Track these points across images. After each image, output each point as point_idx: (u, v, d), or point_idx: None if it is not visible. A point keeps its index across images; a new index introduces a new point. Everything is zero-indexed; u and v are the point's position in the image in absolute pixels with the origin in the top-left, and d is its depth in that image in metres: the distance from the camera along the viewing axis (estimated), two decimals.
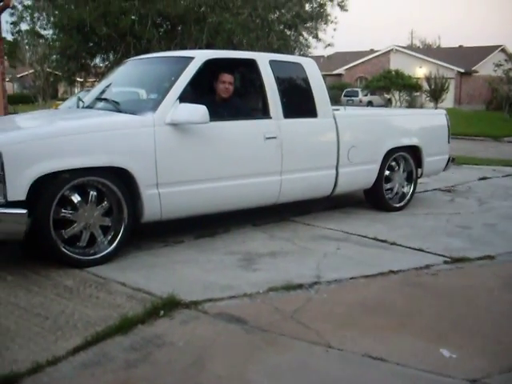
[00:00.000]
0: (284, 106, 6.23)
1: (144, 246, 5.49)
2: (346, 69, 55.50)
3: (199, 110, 5.29)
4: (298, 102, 6.62)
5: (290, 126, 6.26)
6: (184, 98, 5.48)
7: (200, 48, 14.40)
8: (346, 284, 4.67)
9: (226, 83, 6.17)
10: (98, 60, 17.00)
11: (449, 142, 8.34)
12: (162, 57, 6.90)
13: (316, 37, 18.12)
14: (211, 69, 5.99)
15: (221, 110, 5.88)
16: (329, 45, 18.39)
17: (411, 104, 40.60)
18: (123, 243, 5.17)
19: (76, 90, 28.36)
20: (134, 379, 3.11)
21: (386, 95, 45.01)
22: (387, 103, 43.67)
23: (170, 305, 4.02)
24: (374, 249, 5.70)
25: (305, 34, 18.21)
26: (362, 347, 3.52)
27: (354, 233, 6.24)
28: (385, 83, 43.51)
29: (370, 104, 40.82)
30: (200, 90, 6.14)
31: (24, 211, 4.49)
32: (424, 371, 3.26)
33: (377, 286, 4.66)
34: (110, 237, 5.11)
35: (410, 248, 5.72)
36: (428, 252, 5.59)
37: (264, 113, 6.22)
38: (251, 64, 6.25)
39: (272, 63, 6.32)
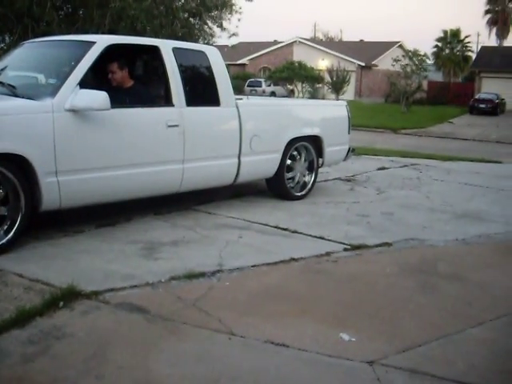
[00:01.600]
0: (187, 93, 6.15)
1: (43, 236, 5.31)
2: (250, 59, 55.75)
3: (100, 96, 5.15)
4: (201, 90, 6.58)
5: (192, 114, 6.20)
6: (85, 83, 5.30)
7: (103, 34, 14.05)
8: (248, 272, 4.70)
9: (122, 71, 6.10)
10: None
11: (349, 133, 8.53)
12: (61, 40, 6.62)
13: (220, 26, 18.07)
14: (113, 54, 5.83)
15: (122, 97, 5.76)
16: (233, 34, 18.39)
17: (313, 95, 41.36)
18: (20, 233, 4.98)
19: None
20: (31, 373, 3.02)
21: (288, 86, 45.62)
22: (290, 94, 44.24)
23: (70, 295, 3.92)
24: (276, 237, 5.77)
25: (209, 22, 18.12)
26: (264, 334, 3.57)
27: (256, 221, 6.29)
28: (288, 74, 44.09)
29: (272, 94, 41.16)
30: (101, 75, 5.98)
31: None
32: (325, 355, 3.34)
33: (278, 274, 4.72)
34: (6, 226, 4.89)
35: (310, 236, 5.83)
36: (328, 240, 5.72)
37: (166, 100, 6.13)
38: (154, 51, 6.15)
39: (175, 51, 6.24)
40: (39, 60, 6.37)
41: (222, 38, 18.55)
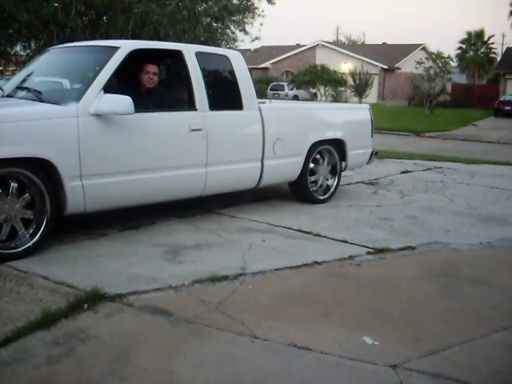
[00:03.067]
0: (210, 98, 6.18)
1: (67, 239, 5.37)
2: (273, 63, 55.79)
3: (124, 101, 5.20)
4: (224, 94, 6.62)
5: (215, 118, 6.22)
6: (109, 88, 5.36)
7: (126, 39, 14.16)
8: (270, 275, 4.71)
9: (150, 73, 6.12)
10: (18, 48, 16.44)
11: (372, 136, 8.49)
12: (86, 46, 6.69)
13: (243, 30, 18.13)
14: (136, 59, 5.87)
15: (146, 101, 5.81)
16: (256, 38, 18.42)
17: (336, 99, 41.26)
18: (46, 236, 5.04)
19: None
20: (57, 375, 3.05)
21: (311, 90, 45.55)
22: (313, 97, 44.20)
23: (94, 298, 3.95)
24: (299, 240, 5.77)
25: (232, 26, 18.18)
26: (287, 337, 3.56)
27: (279, 225, 6.30)
28: (310, 78, 43.99)
29: (295, 98, 41.18)
30: (125, 80, 6.04)
31: None
32: (347, 358, 3.33)
33: (301, 277, 4.72)
34: (31, 230, 4.96)
35: (333, 239, 5.82)
36: (351, 243, 5.70)
37: (190, 104, 6.16)
38: (177, 55, 6.18)
39: (198, 55, 6.26)
40: (64, 65, 6.43)
41: (244, 42, 18.54)
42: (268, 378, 3.09)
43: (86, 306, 3.85)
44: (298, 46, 58.12)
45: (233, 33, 18.26)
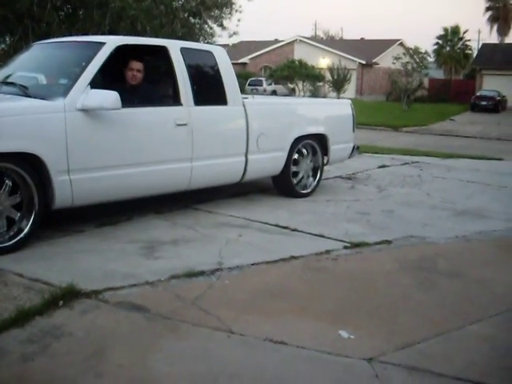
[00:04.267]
0: (195, 93, 6.24)
1: (43, 235, 5.29)
2: (251, 58, 55.74)
3: (111, 96, 5.23)
4: (209, 89, 6.66)
5: (200, 113, 6.29)
6: (94, 83, 5.39)
7: (103, 34, 14.05)
8: (247, 270, 4.71)
9: (133, 70, 6.17)
10: None
11: (354, 131, 8.61)
12: (71, 41, 6.74)
13: (221, 25, 18.08)
14: (122, 55, 5.88)
15: (131, 97, 5.81)
16: (234, 33, 18.39)
17: (314, 94, 41.29)
18: (34, 230, 5.06)
19: None
20: (31, 372, 3.02)
21: (289, 85, 45.54)
22: (291, 93, 44.21)
23: (70, 295, 3.92)
24: (276, 235, 5.77)
25: (210, 22, 18.12)
26: (263, 332, 3.57)
27: (256, 219, 6.29)
28: (289, 73, 43.97)
29: (274, 93, 41.16)
30: (111, 75, 6.04)
31: None
32: (323, 352, 3.35)
33: (278, 272, 4.72)
34: (20, 224, 4.98)
35: (310, 234, 5.83)
36: (328, 238, 5.72)
37: (175, 100, 6.22)
38: (162, 51, 6.23)
39: (183, 51, 6.33)
40: (49, 61, 6.45)
41: (222, 37, 18.52)
42: (244, 373, 3.09)
43: (61, 302, 3.81)
44: (277, 41, 58.13)
45: (211, 28, 18.22)
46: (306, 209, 7.01)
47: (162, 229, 5.80)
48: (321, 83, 43.60)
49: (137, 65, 6.18)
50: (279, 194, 7.67)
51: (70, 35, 12.46)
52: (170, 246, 5.25)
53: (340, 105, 9.06)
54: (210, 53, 6.76)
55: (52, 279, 4.20)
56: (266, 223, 6.17)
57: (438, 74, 56.07)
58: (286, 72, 43.84)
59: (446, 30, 59.07)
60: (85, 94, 5.23)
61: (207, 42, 17.49)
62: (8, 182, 4.85)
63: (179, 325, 3.63)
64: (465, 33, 59.08)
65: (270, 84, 46.55)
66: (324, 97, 36.46)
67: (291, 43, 54.93)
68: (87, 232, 5.58)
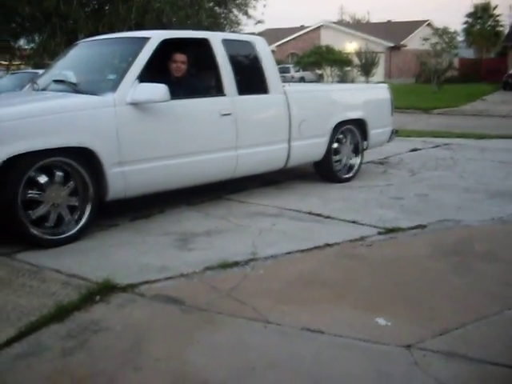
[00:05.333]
0: (237, 83, 6.41)
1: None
2: (278, 45, 55.48)
3: (160, 89, 5.41)
4: (251, 79, 6.80)
5: (243, 103, 6.46)
6: (141, 77, 5.55)
7: (129, 28, 14.12)
8: (282, 259, 4.70)
9: (177, 62, 6.31)
10: (22, 42, 16.45)
11: (392, 115, 8.69)
12: (116, 38, 6.92)
13: (246, 14, 18.05)
14: (166, 48, 6.02)
15: (177, 89, 5.87)
16: (259, 21, 18.38)
17: (343, 79, 41.03)
18: (90, 222, 5.26)
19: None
20: (71, 367, 3.06)
21: (317, 71, 45.31)
22: (319, 79, 43.98)
23: (106, 289, 3.96)
24: (309, 223, 5.75)
25: (235, 10, 18.10)
26: (300, 321, 3.55)
27: (289, 208, 6.28)
28: (316, 59, 43.80)
29: (301, 80, 40.97)
30: (156, 69, 6.12)
31: None
32: (361, 340, 3.32)
33: (313, 260, 4.71)
34: (76, 216, 5.17)
35: (344, 221, 5.80)
36: (362, 224, 5.68)
37: (218, 90, 6.38)
38: (205, 43, 6.37)
39: (224, 42, 6.50)
40: (96, 58, 6.66)
41: (248, 26, 18.49)
42: (281, 363, 3.08)
43: (98, 297, 3.86)
44: (303, 27, 57.79)
45: (236, 17, 18.20)
46: (339, 195, 6.97)
47: (194, 220, 5.82)
48: (349, 68, 43.28)
49: (181, 57, 6.32)
50: (311, 181, 7.68)
51: (97, 31, 12.54)
52: (204, 237, 5.27)
53: (378, 89, 9.15)
54: (250, 43, 6.93)
55: (88, 274, 4.25)
56: (298, 211, 6.15)
57: (469, 54, 55.16)
58: (313, 58, 43.67)
59: (476, 7, 58.07)
60: (133, 88, 5.43)
61: (233, 31, 17.45)
62: (60, 175, 5.03)
63: (215, 316, 3.64)
64: (495, 9, 58.03)
65: (298, 71, 46.37)
66: (352, 81, 36.24)
67: (317, 29, 54.59)
68: (121, 226, 5.63)
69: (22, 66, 17.86)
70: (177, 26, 14.30)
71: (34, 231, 4.88)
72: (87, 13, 14.87)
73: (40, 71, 12.37)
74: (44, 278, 4.25)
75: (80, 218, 5.19)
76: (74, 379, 2.95)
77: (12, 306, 3.75)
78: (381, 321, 3.57)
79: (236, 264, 4.53)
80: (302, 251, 4.88)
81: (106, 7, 15.21)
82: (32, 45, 16.09)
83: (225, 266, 4.47)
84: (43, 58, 15.25)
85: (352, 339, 3.34)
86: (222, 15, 17.57)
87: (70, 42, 14.00)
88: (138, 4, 14.14)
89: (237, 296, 3.93)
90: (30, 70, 13.82)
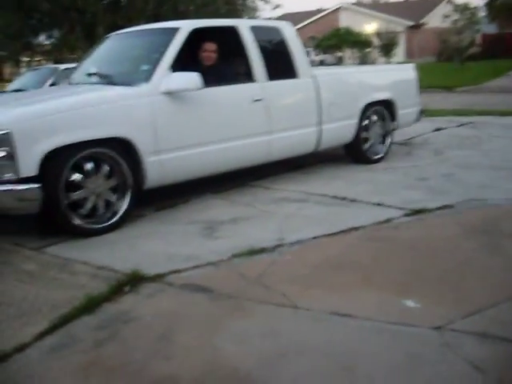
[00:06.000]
0: (267, 69, 6.51)
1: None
2: (296, 29, 55.02)
3: (193, 78, 5.53)
4: (279, 64, 6.86)
5: (274, 88, 6.56)
6: (173, 67, 5.67)
7: (147, 19, 14.12)
8: (308, 244, 4.69)
9: (208, 51, 6.44)
10: (42, 38, 16.56)
11: (419, 95, 8.73)
12: (146, 29, 7.09)
13: None
14: (196, 37, 6.11)
15: (209, 77, 5.91)
16: (277, 6, 18.29)
17: (363, 60, 40.69)
18: (131, 210, 5.41)
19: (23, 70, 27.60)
20: (103, 358, 3.09)
21: (337, 53, 44.98)
22: (339, 61, 43.67)
23: (135, 280, 3.99)
24: (335, 207, 5.73)
25: None
26: (329, 305, 3.55)
27: (314, 192, 6.27)
28: (335, 41, 43.48)
29: (321, 63, 40.71)
30: (187, 58, 6.19)
31: (37, 185, 4.67)
32: (390, 323, 3.31)
33: (339, 244, 4.69)
34: (117, 205, 5.33)
35: (370, 203, 5.77)
36: (388, 206, 5.65)
37: (249, 77, 6.46)
38: (233, 31, 6.45)
39: (252, 29, 6.59)
40: (129, 50, 6.81)
41: (265, 11, 18.46)
42: (312, 348, 3.08)
43: (127, 288, 3.89)
44: (320, 10, 57.30)
45: (253, 2, 18.12)
46: (364, 178, 6.94)
47: (220, 208, 5.84)
48: (369, 49, 42.90)
49: (211, 46, 6.42)
50: (335, 165, 7.69)
51: (115, 24, 12.57)
52: (230, 224, 5.28)
53: (404, 69, 9.17)
54: (277, 29, 7.03)
55: (117, 265, 4.29)
56: (324, 195, 6.13)
57: (492, 29, 54.22)
58: (333, 41, 43.36)
59: None
60: (167, 78, 5.54)
61: (250, 17, 17.39)
62: (106, 167, 5.18)
63: (244, 303, 3.65)
64: None
65: (318, 54, 46.04)
66: (373, 62, 35.96)
67: (335, 11, 54.06)
68: (147, 216, 5.66)
69: (43, 62, 17.98)
70: (193, 14, 14.29)
71: (78, 221, 5.02)
72: (104, 6, 14.91)
73: (61, 66, 12.48)
74: (73, 270, 4.30)
75: (120, 207, 5.32)
76: (107, 370, 2.98)
77: (43, 300, 3.80)
78: (409, 303, 3.55)
79: (263, 250, 4.53)
80: (328, 235, 4.86)
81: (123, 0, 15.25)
82: (52, 40, 16.19)
83: (252, 252, 4.48)
84: (63, 52, 15.35)
85: (381, 322, 3.33)
86: (239, 2, 17.49)
87: (88, 35, 14.11)
88: None
89: (265, 282, 3.93)
90: (51, 66, 13.91)
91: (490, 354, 2.94)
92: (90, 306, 3.64)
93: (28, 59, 19.27)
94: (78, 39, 14.17)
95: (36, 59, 18.92)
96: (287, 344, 3.14)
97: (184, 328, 3.36)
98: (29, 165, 4.66)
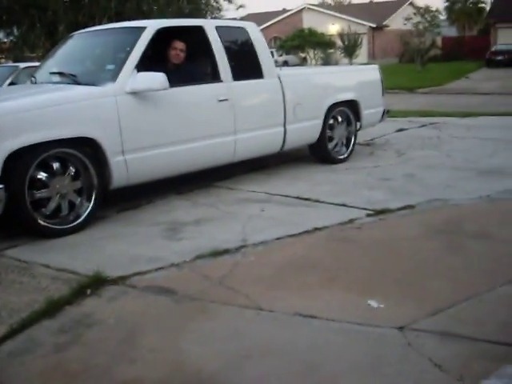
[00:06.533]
0: (233, 69, 6.52)
1: None
2: (260, 30, 55.20)
3: (158, 77, 5.50)
4: (245, 64, 6.89)
5: (239, 88, 6.57)
6: (139, 66, 5.63)
7: (110, 17, 13.98)
8: (272, 245, 4.69)
9: (177, 50, 6.38)
10: (1, 35, 16.27)
11: (383, 95, 8.82)
12: (111, 28, 7.03)
13: None
14: (162, 37, 6.08)
15: (175, 77, 5.89)
16: (241, 6, 18.28)
17: (326, 61, 40.95)
18: (96, 210, 5.35)
19: None
20: (65, 362, 3.04)
21: (300, 54, 45.20)
22: (302, 62, 43.87)
23: (97, 282, 3.94)
24: (298, 207, 5.75)
25: None
26: (292, 307, 3.56)
27: (277, 193, 6.28)
28: (299, 42, 43.71)
29: (285, 64, 40.83)
30: (153, 58, 6.15)
31: (0, 186, 4.61)
32: (354, 323, 3.33)
33: (303, 245, 4.71)
34: (81, 207, 5.26)
35: (333, 204, 5.80)
36: (351, 206, 5.68)
37: (214, 77, 6.48)
38: (199, 30, 6.45)
39: (218, 29, 6.61)
40: (93, 49, 6.72)
41: (229, 11, 18.44)
42: (276, 349, 3.08)
43: (89, 291, 3.84)
44: (285, 10, 57.59)
45: (217, 2, 18.08)
46: (326, 179, 6.97)
47: (183, 209, 5.80)
48: (332, 50, 43.20)
49: (180, 44, 6.39)
50: (298, 166, 7.71)
51: (77, 22, 12.43)
52: (193, 226, 5.25)
53: (368, 70, 9.31)
54: (243, 29, 7.07)
55: (78, 268, 4.23)
56: (287, 196, 6.15)
57: (451, 32, 55.14)
58: (296, 41, 43.57)
59: None
60: (133, 78, 5.51)
61: (214, 17, 17.36)
62: (71, 168, 5.13)
63: (208, 305, 3.63)
64: None
65: (281, 55, 46.18)
66: (336, 63, 36.19)
67: (299, 12, 54.38)
68: (110, 218, 5.60)
69: (3, 60, 17.68)
70: (157, 14, 14.20)
71: (42, 222, 4.94)
72: (66, 3, 14.70)
73: (20, 64, 12.26)
74: (34, 273, 4.22)
75: (85, 208, 5.26)
76: (69, 374, 2.94)
77: (2, 303, 3.72)
78: (373, 303, 3.57)
79: (226, 251, 4.52)
80: (292, 236, 4.87)
81: None
82: (11, 38, 15.91)
83: (215, 254, 4.46)
84: (23, 50, 15.10)
85: (345, 323, 3.34)
86: (203, 1, 17.44)
87: (49, 33, 13.90)
88: None
89: (228, 284, 3.92)
90: (10, 64, 13.68)
91: (451, 352, 2.98)
92: (51, 309, 3.58)
93: None
94: (39, 37, 13.96)
95: None
96: (251, 345, 3.13)
97: (148, 331, 3.33)
98: None
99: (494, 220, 5.27)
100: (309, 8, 54.21)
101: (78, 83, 5.71)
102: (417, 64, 35.78)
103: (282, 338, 3.20)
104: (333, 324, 3.34)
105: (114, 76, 5.56)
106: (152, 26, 6.05)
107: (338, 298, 3.69)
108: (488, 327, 3.23)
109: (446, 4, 58.28)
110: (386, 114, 9.08)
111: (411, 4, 52.99)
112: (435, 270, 4.10)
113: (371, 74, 8.91)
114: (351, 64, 35.17)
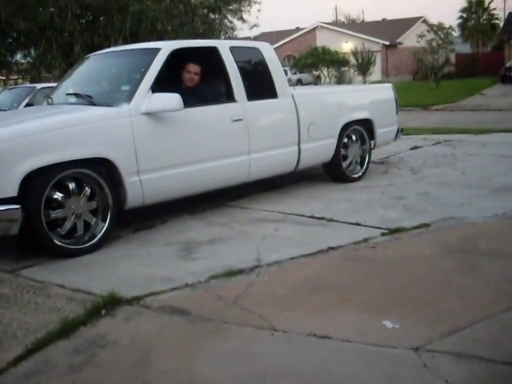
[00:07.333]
0: (247, 89, 6.57)
1: None
2: (274, 48, 55.36)
3: (173, 98, 5.54)
4: (259, 84, 6.95)
5: (253, 108, 6.61)
6: (154, 87, 5.68)
7: (124, 38, 14.14)
8: (286, 265, 4.68)
9: (191, 73, 6.45)
10: (18, 56, 16.49)
11: (397, 114, 8.85)
12: (126, 50, 7.08)
13: (241, 18, 18.07)
14: (177, 58, 6.14)
15: (189, 97, 5.94)
16: (254, 25, 18.41)
17: (340, 79, 41.03)
18: (110, 231, 5.38)
19: None
20: (79, 383, 3.05)
21: (314, 72, 45.32)
22: (316, 80, 43.98)
23: (112, 303, 3.95)
24: (312, 227, 5.74)
25: (229, 16, 18.12)
26: (306, 327, 3.54)
27: (291, 212, 6.27)
28: (312, 60, 43.85)
29: (299, 82, 40.96)
30: (168, 78, 6.21)
31: (17, 207, 4.64)
32: (368, 344, 3.30)
33: (317, 264, 4.69)
34: (97, 226, 5.30)
35: (347, 223, 5.78)
36: (365, 225, 5.66)
37: (229, 97, 6.53)
38: (213, 51, 6.51)
39: (232, 49, 6.66)
40: (109, 70, 6.84)
41: (243, 31, 18.53)
42: (290, 370, 3.07)
43: (103, 311, 3.84)
44: (298, 29, 57.80)
45: (231, 22, 18.22)
46: (341, 197, 6.96)
47: (197, 229, 5.81)
48: (346, 68, 43.29)
49: (194, 67, 6.46)
50: (312, 184, 7.71)
51: (93, 42, 12.56)
52: (207, 245, 5.26)
53: (382, 89, 9.30)
54: (257, 49, 7.12)
55: (93, 288, 4.24)
56: (301, 215, 6.14)
57: (465, 49, 55.07)
58: (310, 60, 43.71)
59: (469, 2, 57.96)
60: (147, 99, 5.56)
61: (228, 37, 17.49)
62: (87, 189, 5.18)
63: (222, 326, 3.62)
64: (490, 2, 57.91)
65: (295, 73, 46.32)
66: (350, 81, 36.27)
67: (313, 30, 54.56)
68: (124, 238, 5.63)
69: (20, 81, 17.89)
70: (172, 34, 14.33)
71: (58, 242, 4.99)
72: (82, 24, 14.89)
73: (37, 85, 12.41)
74: (49, 293, 4.24)
75: (101, 228, 5.30)
76: None
77: (18, 324, 3.74)
78: (388, 323, 3.55)
79: (241, 272, 4.51)
80: (306, 256, 4.86)
81: (101, 18, 15.24)
82: (28, 59, 16.12)
83: (230, 274, 4.46)
84: (40, 71, 15.29)
85: (359, 343, 3.32)
86: (217, 21, 17.58)
87: (66, 54, 14.07)
88: (133, 13, 14.15)
89: (243, 304, 3.92)
90: (28, 85, 13.85)
91: (468, 374, 2.95)
92: (66, 329, 3.59)
93: (3, 78, 19.15)
94: (55, 58, 14.13)
95: (12, 78, 18.81)
96: (265, 366, 3.12)
97: (162, 351, 3.33)
98: (8, 186, 4.65)
99: (510, 238, 5.23)
100: (322, 26, 54.40)
101: (94, 104, 5.77)
102: (430, 81, 35.74)
103: (296, 359, 3.19)
104: (348, 345, 3.32)
105: (129, 97, 5.62)
106: (166, 47, 6.11)
107: (352, 318, 3.67)
108: (504, 348, 3.20)
109: (459, 21, 58.29)
110: (401, 132, 9.11)
111: (424, 21, 53.07)
112: (450, 289, 4.07)
113: (385, 92, 8.94)
114: (365, 82, 35.23)
